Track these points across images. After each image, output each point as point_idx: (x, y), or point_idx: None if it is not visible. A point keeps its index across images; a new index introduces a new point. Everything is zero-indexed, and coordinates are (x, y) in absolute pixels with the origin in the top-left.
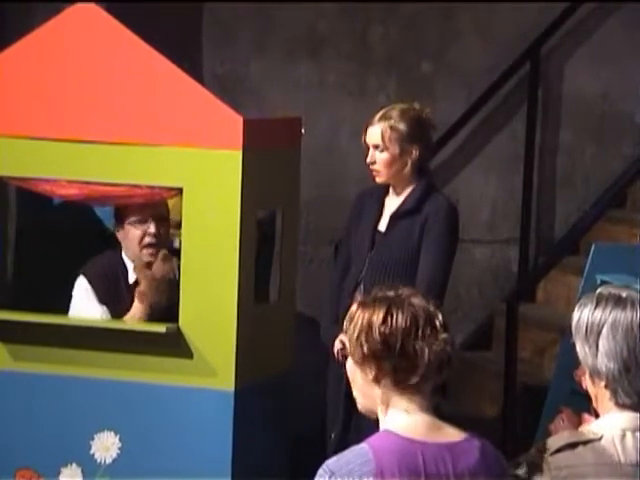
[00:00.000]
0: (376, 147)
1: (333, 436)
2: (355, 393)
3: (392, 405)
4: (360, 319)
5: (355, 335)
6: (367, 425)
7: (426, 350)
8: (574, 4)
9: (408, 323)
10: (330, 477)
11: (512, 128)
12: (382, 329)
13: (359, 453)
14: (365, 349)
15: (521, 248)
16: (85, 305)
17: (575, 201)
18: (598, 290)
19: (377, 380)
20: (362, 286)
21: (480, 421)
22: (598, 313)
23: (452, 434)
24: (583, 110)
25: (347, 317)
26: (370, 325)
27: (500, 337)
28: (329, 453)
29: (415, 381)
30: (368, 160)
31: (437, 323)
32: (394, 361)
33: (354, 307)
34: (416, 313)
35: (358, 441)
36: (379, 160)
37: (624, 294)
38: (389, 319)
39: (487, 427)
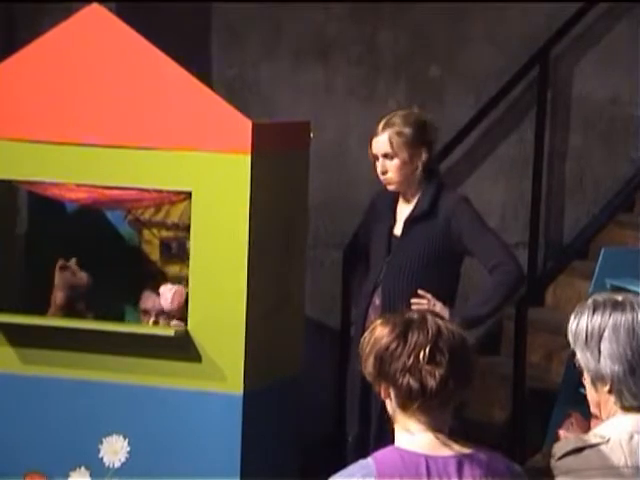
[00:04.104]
0: (385, 156)
1: (351, 438)
2: None
3: (400, 423)
4: (372, 337)
5: (366, 350)
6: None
7: (426, 382)
8: (583, 8)
9: (410, 357)
10: None
11: (521, 132)
12: (384, 356)
13: (362, 464)
14: (369, 369)
15: (530, 252)
16: None
17: (584, 205)
18: (592, 297)
19: (386, 397)
20: (380, 289)
21: (489, 426)
22: (597, 318)
23: (459, 448)
24: (592, 114)
25: (368, 330)
26: (377, 347)
27: (509, 341)
28: (348, 454)
29: (417, 406)
30: (379, 170)
31: (439, 356)
32: (394, 389)
33: (377, 322)
34: (423, 343)
35: (379, 445)
36: (391, 168)
37: (620, 298)
38: (393, 346)
39: (496, 432)
